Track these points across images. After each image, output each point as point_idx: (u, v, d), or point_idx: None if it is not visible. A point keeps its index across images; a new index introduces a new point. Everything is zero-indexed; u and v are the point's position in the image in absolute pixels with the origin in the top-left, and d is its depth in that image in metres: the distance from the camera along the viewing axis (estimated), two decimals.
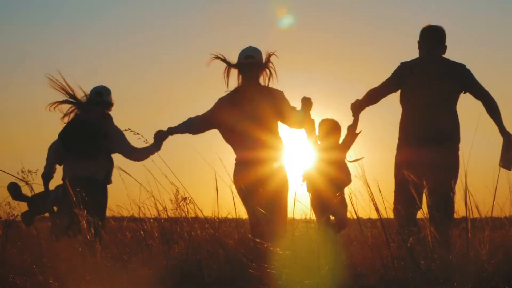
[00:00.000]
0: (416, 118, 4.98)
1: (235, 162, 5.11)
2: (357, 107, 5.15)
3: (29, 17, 32.56)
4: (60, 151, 5.79)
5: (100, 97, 5.81)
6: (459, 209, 4.46)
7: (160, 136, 5.45)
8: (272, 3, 26.15)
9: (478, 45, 30.48)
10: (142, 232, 5.45)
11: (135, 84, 28.97)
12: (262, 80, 5.06)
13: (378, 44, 29.43)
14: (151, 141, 5.54)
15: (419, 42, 5.10)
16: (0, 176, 5.64)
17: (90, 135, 5.60)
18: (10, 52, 31.11)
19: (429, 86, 4.87)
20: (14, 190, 6.85)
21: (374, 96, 5.12)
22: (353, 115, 5.20)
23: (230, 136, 5.10)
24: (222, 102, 5.14)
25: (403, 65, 5.04)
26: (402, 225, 4.71)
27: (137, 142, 5.68)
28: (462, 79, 4.89)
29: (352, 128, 5.24)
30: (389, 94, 5.12)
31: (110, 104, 5.87)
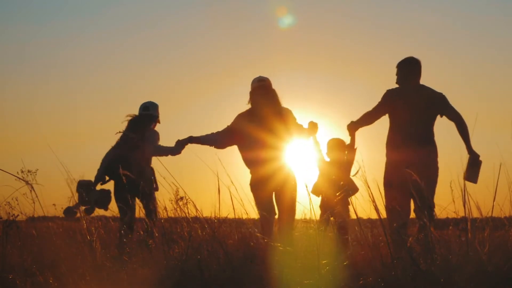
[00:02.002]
0: (401, 127, 5.62)
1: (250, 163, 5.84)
2: (353, 128, 5.79)
3: (29, 17, 32.54)
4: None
5: (147, 111, 6.61)
6: (459, 209, 4.47)
7: (180, 143, 6.06)
8: (272, 3, 26.15)
9: (478, 44, 30.48)
10: (142, 232, 5.46)
11: (135, 84, 28.97)
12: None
13: (378, 44, 29.44)
14: None
15: (399, 72, 5.71)
16: (0, 176, 5.64)
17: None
18: (10, 52, 31.09)
19: (412, 111, 5.54)
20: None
21: (367, 120, 5.77)
22: (350, 135, 5.82)
23: (248, 143, 5.80)
24: (240, 117, 5.92)
25: (389, 92, 5.68)
26: (402, 225, 4.84)
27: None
28: (440, 106, 5.59)
29: (351, 146, 5.83)
30: (381, 117, 5.76)
31: (156, 117, 6.64)
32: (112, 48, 31.45)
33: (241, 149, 5.95)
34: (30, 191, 6.21)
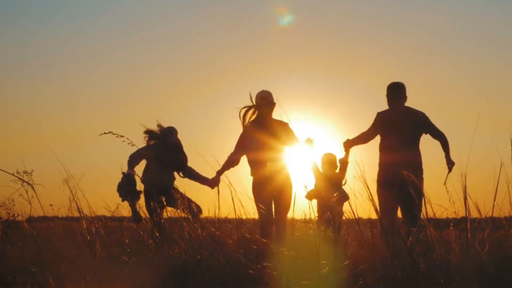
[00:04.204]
0: (393, 131, 6.04)
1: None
2: (348, 145, 6.23)
3: (29, 17, 32.50)
4: (139, 160, 6.72)
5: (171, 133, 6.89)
6: (459, 209, 4.48)
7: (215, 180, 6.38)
8: (272, 2, 26.14)
9: (478, 44, 30.48)
10: (142, 232, 5.46)
11: (135, 84, 28.96)
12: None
13: (378, 44, 29.42)
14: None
15: (387, 95, 6.12)
16: (0, 176, 5.63)
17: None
18: (10, 52, 31.06)
19: (399, 131, 5.96)
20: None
21: (362, 140, 6.22)
22: (345, 151, 6.22)
23: (256, 147, 6.08)
24: (248, 129, 6.21)
25: (379, 114, 6.12)
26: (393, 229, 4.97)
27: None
28: (423, 125, 6.04)
29: (344, 160, 6.27)
30: (376, 137, 6.18)
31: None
32: (112, 48, 31.39)
33: (246, 152, 6.15)
34: (26, 191, 6.22)
